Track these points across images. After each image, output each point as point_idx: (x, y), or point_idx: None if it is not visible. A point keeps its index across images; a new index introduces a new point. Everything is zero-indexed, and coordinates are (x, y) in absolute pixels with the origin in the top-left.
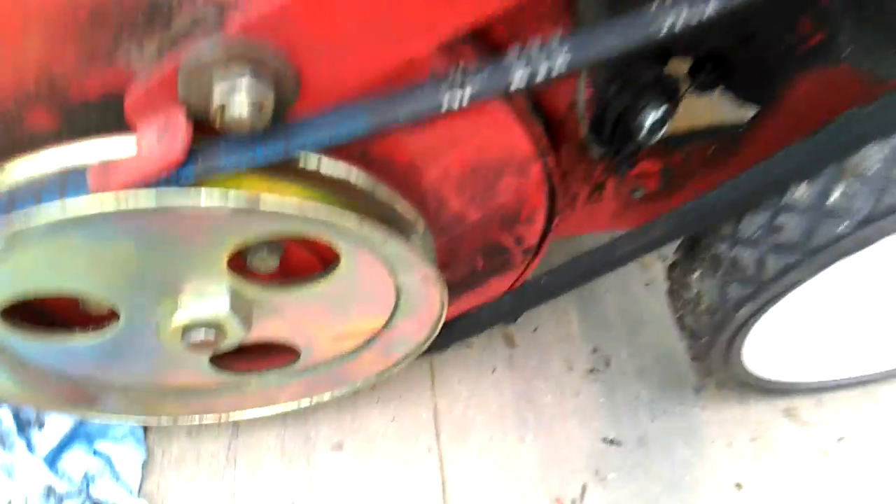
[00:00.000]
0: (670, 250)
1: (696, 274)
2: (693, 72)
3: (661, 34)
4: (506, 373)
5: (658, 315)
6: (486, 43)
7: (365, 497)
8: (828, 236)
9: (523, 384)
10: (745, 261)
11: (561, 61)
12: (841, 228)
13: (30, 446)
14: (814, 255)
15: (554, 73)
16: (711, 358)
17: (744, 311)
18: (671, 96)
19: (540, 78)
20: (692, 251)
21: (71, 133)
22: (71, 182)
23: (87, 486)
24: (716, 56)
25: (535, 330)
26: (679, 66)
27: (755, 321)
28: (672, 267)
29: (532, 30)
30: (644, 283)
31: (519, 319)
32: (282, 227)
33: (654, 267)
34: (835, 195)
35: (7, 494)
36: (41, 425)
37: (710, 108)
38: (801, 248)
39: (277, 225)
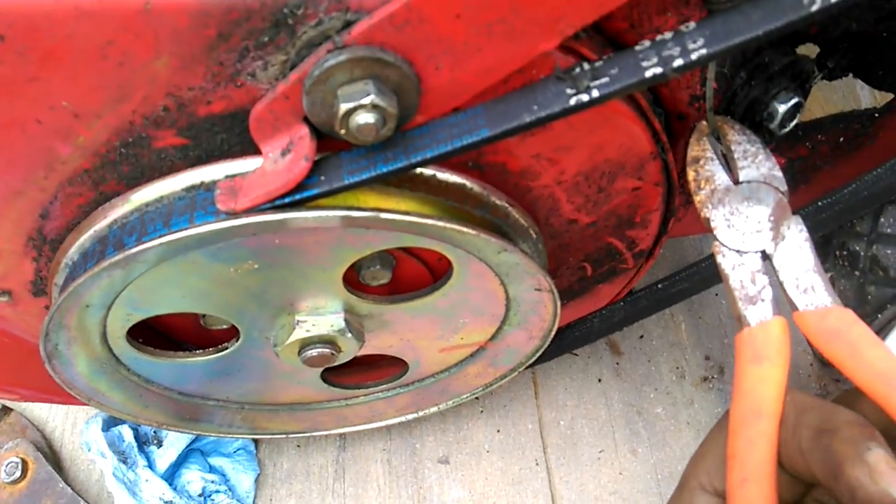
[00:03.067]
0: None
1: (830, 275)
2: (822, 57)
3: (812, 12)
4: (613, 382)
5: None
6: (604, 34)
7: None
8: None
9: (632, 394)
10: (887, 259)
11: (697, 51)
12: None
13: (150, 463)
14: None
15: (690, 63)
16: None
17: (887, 314)
18: (803, 83)
19: (674, 70)
20: (823, 251)
21: (198, 151)
22: (199, 203)
23: (205, 502)
24: (848, 39)
25: (642, 337)
26: (806, 53)
27: None
28: None
29: (654, 20)
30: None
31: (624, 327)
32: (399, 239)
33: None
34: None
35: None
36: (159, 443)
37: (838, 96)
38: None
39: (395, 238)
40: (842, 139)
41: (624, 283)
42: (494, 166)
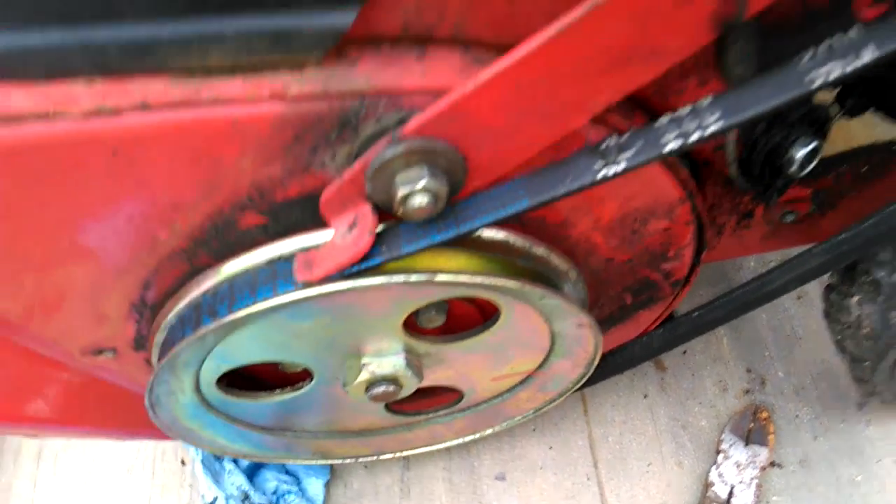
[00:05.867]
0: None
1: (855, 299)
2: (841, 97)
3: (814, 88)
4: (658, 397)
5: (812, 330)
6: (633, 100)
7: None
8: None
9: (677, 408)
10: None
11: (713, 124)
12: None
13: (234, 459)
14: None
15: (705, 137)
16: (876, 380)
17: None
18: (821, 127)
19: (691, 143)
20: (850, 275)
21: (276, 227)
22: (280, 274)
23: (278, 500)
24: (866, 79)
25: (685, 353)
26: (826, 93)
27: None
28: (829, 290)
29: (676, 84)
30: (796, 296)
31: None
32: (452, 291)
33: None
34: None
35: (213, 495)
36: None
37: (861, 128)
38: None
39: (448, 291)
40: (864, 169)
41: (663, 308)
42: (535, 220)
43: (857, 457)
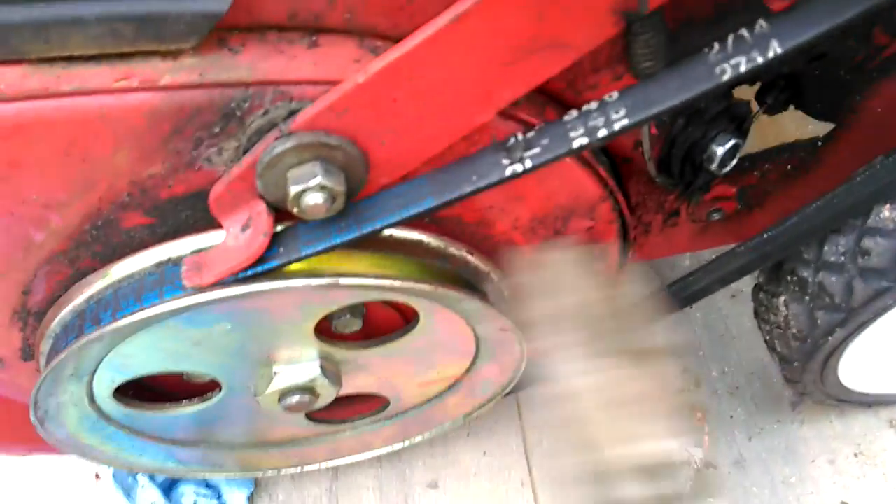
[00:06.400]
0: None
1: (783, 299)
2: (761, 95)
3: (722, 82)
4: None
5: (746, 328)
6: (543, 94)
7: None
8: None
9: None
10: (832, 287)
11: (620, 119)
12: None
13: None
14: None
15: (614, 133)
16: (805, 381)
17: (835, 337)
18: (741, 124)
19: (599, 139)
20: (776, 275)
21: (164, 228)
22: (168, 278)
23: None
24: (784, 77)
25: None
26: (745, 90)
27: (849, 343)
28: (757, 289)
29: (589, 79)
30: (730, 295)
31: None
32: (362, 295)
33: None
34: None
35: None
36: None
37: (783, 126)
38: (891, 272)
39: (358, 295)
40: (789, 167)
41: None
42: (450, 220)
43: (791, 457)
